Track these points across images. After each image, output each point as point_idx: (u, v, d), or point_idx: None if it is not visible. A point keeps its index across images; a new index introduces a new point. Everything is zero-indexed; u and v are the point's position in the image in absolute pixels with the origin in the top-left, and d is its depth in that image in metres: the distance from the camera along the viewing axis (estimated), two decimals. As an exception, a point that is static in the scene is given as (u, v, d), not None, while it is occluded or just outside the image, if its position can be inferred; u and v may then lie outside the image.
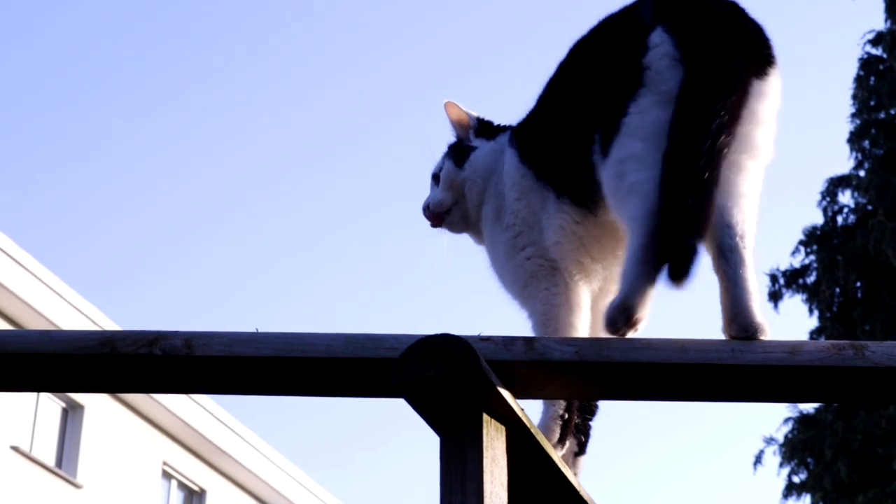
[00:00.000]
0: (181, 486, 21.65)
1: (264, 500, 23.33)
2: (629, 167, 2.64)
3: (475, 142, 3.14)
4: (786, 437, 18.06)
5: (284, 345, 2.61)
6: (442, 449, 2.52)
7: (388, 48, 46.98)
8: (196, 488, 21.89)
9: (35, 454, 18.20)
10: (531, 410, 2.78)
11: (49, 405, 18.81)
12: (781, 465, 18.14)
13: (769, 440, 18.36)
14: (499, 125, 3.22)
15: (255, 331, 2.66)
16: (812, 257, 18.83)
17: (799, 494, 18.06)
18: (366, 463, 45.87)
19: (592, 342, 2.73)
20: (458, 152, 3.14)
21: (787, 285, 18.79)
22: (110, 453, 19.64)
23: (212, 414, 21.24)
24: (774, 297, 18.63)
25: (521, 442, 2.64)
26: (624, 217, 2.69)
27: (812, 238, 18.82)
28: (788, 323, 23.04)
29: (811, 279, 18.77)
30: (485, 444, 2.50)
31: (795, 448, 17.78)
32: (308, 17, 45.50)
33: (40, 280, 17.86)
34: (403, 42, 47.06)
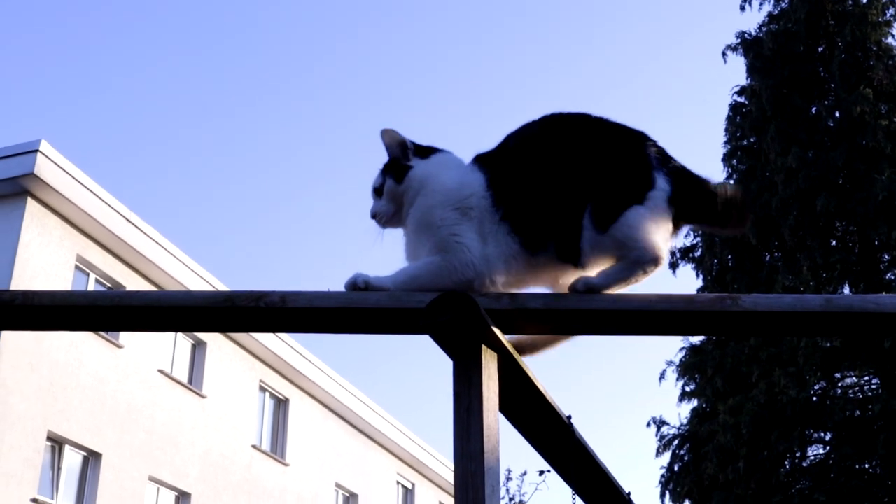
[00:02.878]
0: (272, 396, 21.69)
1: (328, 405, 23.38)
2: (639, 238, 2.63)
3: (413, 161, 2.78)
4: (681, 360, 18.09)
5: (348, 300, 2.60)
6: (454, 368, 2.53)
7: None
8: (282, 398, 21.93)
9: (174, 374, 18.27)
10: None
11: (183, 341, 18.87)
12: (678, 379, 18.18)
13: (669, 363, 18.41)
14: (429, 146, 2.86)
15: (327, 290, 2.66)
16: (699, 239, 18.86)
17: (689, 399, 18.10)
18: (399, 379, 45.96)
19: (556, 296, 2.72)
20: (397, 170, 2.77)
21: (682, 258, 18.81)
22: (224, 373, 19.69)
23: (291, 347, 21.28)
24: (673, 266, 18.65)
25: (507, 363, 2.65)
26: (625, 254, 2.65)
27: (698, 226, 18.88)
28: (682, 283, 23.06)
29: (698, 254, 18.79)
30: (483, 365, 2.50)
31: (687, 368, 17.83)
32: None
33: (175, 257, 17.94)
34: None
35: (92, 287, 16.54)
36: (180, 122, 41.89)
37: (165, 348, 18.19)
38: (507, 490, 18.05)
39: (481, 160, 2.80)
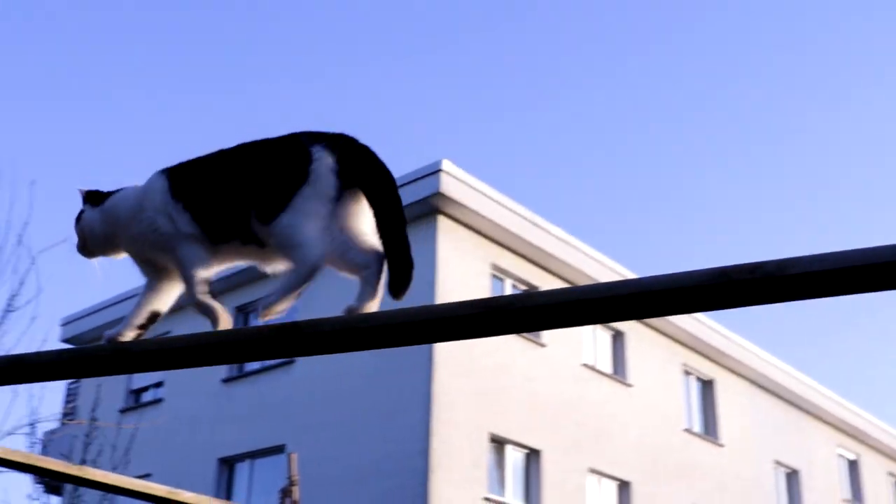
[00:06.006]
0: (697, 378, 21.53)
1: (756, 381, 22.84)
2: (295, 231, 2.69)
3: (84, 206, 3.16)
4: None
5: (839, 260, 2.46)
6: None
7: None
8: (707, 379, 21.71)
9: (598, 366, 18.59)
10: None
11: (602, 333, 19.19)
12: None
13: None
14: (104, 192, 3.19)
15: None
16: None
17: None
18: (827, 349, 43.82)
19: None
20: (78, 215, 3.16)
21: None
22: (647, 360, 19.78)
23: (712, 328, 21.03)
24: None
25: None
26: (295, 252, 2.71)
27: None
28: None
29: None
30: None
31: None
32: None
33: (583, 252, 18.28)
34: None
35: (508, 291, 17.20)
36: (561, 112, 42.64)
37: (586, 342, 18.55)
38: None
39: (170, 172, 3.05)
